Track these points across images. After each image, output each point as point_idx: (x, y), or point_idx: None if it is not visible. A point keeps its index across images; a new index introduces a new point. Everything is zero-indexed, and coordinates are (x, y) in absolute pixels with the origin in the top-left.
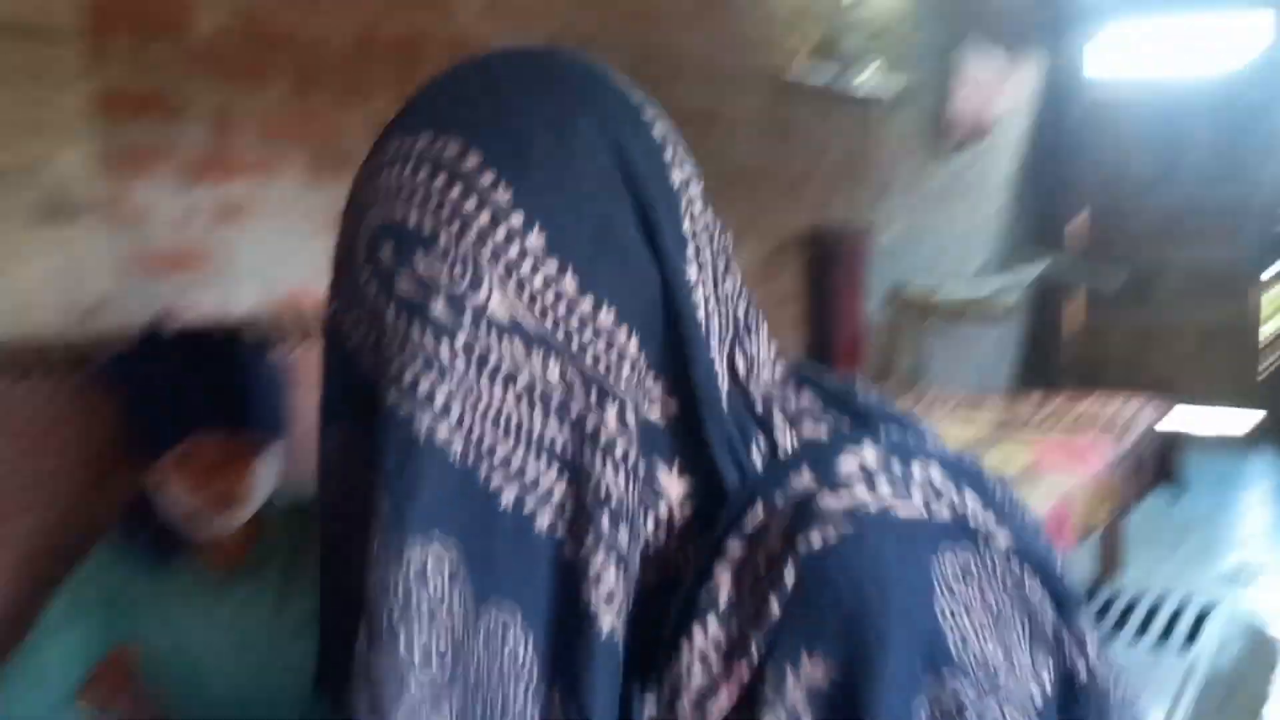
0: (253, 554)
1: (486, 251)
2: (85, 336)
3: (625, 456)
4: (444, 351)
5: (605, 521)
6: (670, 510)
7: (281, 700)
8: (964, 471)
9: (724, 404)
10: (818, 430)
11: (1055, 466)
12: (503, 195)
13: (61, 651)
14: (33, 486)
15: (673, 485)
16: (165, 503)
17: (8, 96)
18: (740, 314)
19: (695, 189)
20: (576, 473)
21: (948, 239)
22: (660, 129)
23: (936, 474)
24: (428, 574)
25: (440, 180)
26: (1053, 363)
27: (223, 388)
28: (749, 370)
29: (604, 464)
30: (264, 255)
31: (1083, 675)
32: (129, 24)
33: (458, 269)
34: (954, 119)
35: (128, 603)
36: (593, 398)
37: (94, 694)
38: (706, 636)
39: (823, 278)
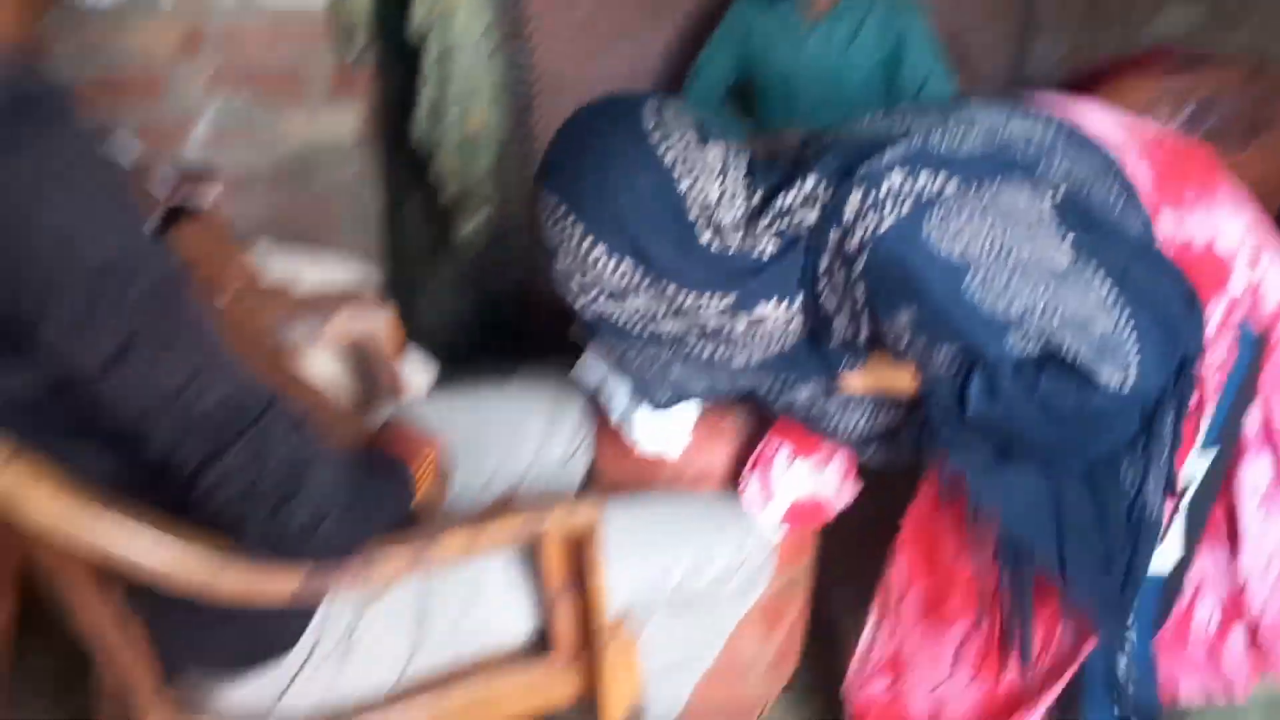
0: (834, 8)
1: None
2: None
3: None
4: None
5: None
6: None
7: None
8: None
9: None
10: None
11: None
12: (580, 227)
13: (718, 56)
14: None
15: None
16: None
17: None
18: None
19: (684, 165)
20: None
21: None
22: (664, 153)
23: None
24: None
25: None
26: None
27: None
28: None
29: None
30: None
31: None
32: None
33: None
34: None
35: (750, 40)
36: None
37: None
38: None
39: None
